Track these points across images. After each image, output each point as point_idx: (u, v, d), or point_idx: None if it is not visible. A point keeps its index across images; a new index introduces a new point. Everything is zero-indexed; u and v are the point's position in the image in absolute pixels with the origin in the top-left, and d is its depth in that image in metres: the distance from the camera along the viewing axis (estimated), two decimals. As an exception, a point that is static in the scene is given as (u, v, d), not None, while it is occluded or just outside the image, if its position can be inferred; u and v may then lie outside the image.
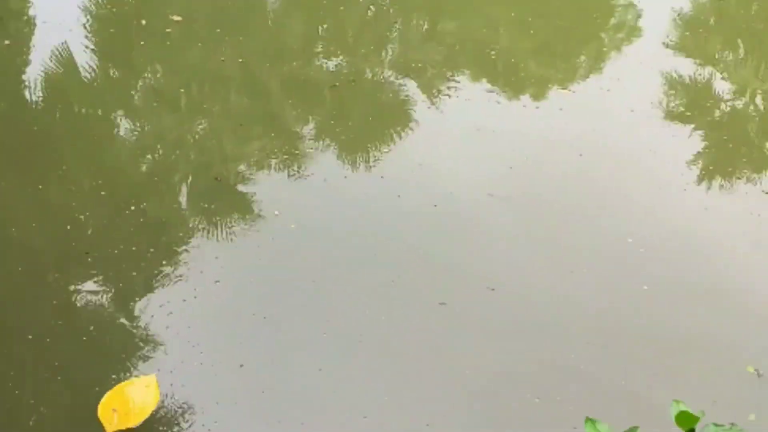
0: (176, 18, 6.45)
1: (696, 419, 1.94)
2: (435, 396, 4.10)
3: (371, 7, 7.00)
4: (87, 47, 6.30)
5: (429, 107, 5.91)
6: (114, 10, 6.67)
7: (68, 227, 4.88)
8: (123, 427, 3.96)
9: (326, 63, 6.27)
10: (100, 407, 4.01)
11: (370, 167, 5.35)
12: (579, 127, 5.79)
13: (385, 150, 5.47)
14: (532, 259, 4.83)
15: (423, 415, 4.01)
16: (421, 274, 4.68)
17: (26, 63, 6.13)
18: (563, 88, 6.18)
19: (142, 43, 6.28)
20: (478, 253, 4.82)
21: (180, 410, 4.05)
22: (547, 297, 4.59)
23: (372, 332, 4.37)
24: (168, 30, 6.37)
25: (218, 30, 6.43)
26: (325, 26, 6.82)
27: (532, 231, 5.02)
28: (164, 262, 4.70)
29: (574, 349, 4.33)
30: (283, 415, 4.01)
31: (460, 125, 5.75)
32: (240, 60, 6.14)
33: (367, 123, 5.73)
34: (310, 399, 4.09)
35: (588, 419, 2.07)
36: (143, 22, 6.47)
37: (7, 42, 6.33)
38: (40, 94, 5.88)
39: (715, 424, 1.95)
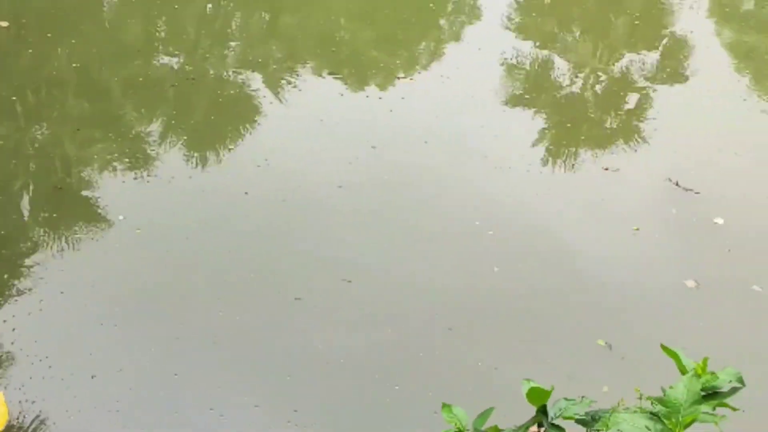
0: (3, 24, 6.21)
1: (547, 395, 1.97)
2: (295, 392, 4.07)
3: (209, 4, 6.91)
4: None
5: (272, 102, 5.89)
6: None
7: None
8: (-32, 451, 3.80)
9: (165, 62, 6.16)
10: (-54, 429, 3.85)
11: (216, 165, 5.29)
12: (422, 115, 5.85)
13: (231, 147, 5.42)
14: (385, 248, 4.86)
15: (283, 411, 3.98)
16: (275, 270, 4.64)
17: None
18: (404, 77, 6.24)
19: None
20: (331, 246, 4.81)
21: (32, 425, 3.91)
22: (402, 285, 4.62)
23: (227, 332, 4.31)
24: (-3, 37, 6.14)
25: (49, 35, 6.23)
26: (162, 26, 6.69)
27: (383, 220, 5.04)
28: (6, 276, 4.53)
29: (429, 335, 4.37)
30: (137, 423, 3.91)
31: (304, 119, 5.75)
32: (75, 65, 5.95)
33: (210, 121, 5.68)
34: (165, 405, 4.01)
35: (445, 405, 2.08)
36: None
37: None
38: None
39: (566, 399, 1.98)
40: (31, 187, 5.19)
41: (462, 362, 4.28)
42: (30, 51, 6.08)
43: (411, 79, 6.25)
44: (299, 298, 4.50)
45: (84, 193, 5.09)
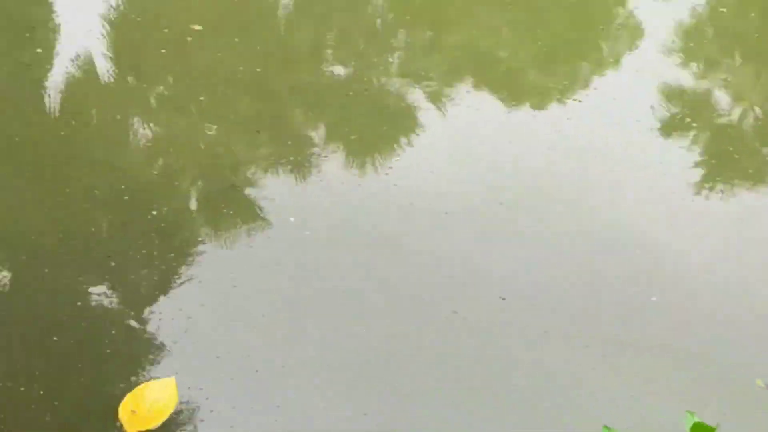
0: (196, 27, 6.57)
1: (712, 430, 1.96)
2: (446, 407, 4.19)
3: (378, 19, 7.10)
4: (109, 54, 6.43)
5: (437, 116, 6.01)
6: (138, 19, 6.80)
7: (92, 230, 5.00)
8: (142, 429, 4.08)
9: (334, 72, 6.36)
10: (120, 409, 4.14)
11: (384, 175, 5.44)
12: (586, 136, 5.87)
13: (397, 158, 5.57)
14: (543, 267, 4.92)
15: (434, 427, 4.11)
16: (433, 282, 4.77)
17: (51, 70, 6.26)
18: (569, 98, 6.26)
19: (163, 51, 6.40)
20: (489, 261, 4.91)
21: (197, 413, 4.16)
22: (559, 306, 4.68)
23: (384, 338, 4.47)
24: (188, 38, 6.49)
25: (236, 39, 6.54)
26: (332, 37, 6.91)
27: (543, 239, 5.10)
28: (183, 267, 4.82)
29: (583, 360, 4.42)
30: (296, 419, 4.11)
31: (470, 134, 5.84)
32: (258, 69, 6.24)
33: (380, 132, 5.82)
34: (323, 406, 4.19)
35: (605, 427, 2.13)
36: (165, 30, 6.58)
37: (39, 50, 6.45)
38: (66, 100, 6.02)
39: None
40: (207, 185, 5.46)
41: (614, 390, 4.31)
42: (219, 54, 6.40)
43: (576, 99, 6.26)
44: (456, 312, 4.63)
45: (255, 192, 5.33)
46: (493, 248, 5.02)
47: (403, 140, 5.76)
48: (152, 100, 6.16)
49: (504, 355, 4.45)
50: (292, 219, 5.12)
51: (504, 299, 4.72)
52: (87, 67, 6.36)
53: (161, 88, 6.28)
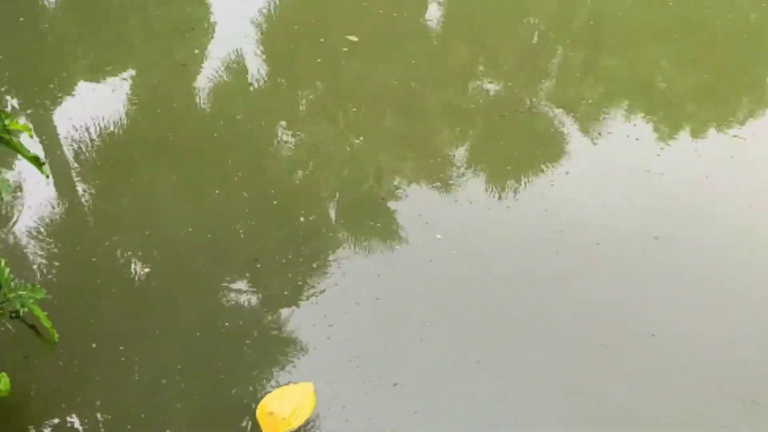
0: (353, 38, 6.60)
1: None
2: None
3: (534, 39, 7.01)
4: (265, 59, 6.52)
5: (593, 144, 5.88)
6: (296, 27, 6.87)
7: (240, 231, 5.05)
8: (279, 431, 4.08)
9: (483, 91, 6.28)
10: (258, 409, 4.16)
11: (535, 200, 5.34)
12: (751, 177, 5.65)
13: (551, 184, 5.46)
14: (693, 306, 4.74)
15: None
16: (580, 314, 4.65)
17: (205, 71, 6.37)
18: (734, 135, 6.05)
19: (318, 60, 6.44)
20: (640, 296, 4.76)
21: (333, 421, 4.14)
22: (707, 346, 4.50)
23: (528, 365, 4.38)
24: (344, 49, 6.52)
25: (392, 53, 6.55)
26: (483, 55, 6.83)
27: (696, 277, 4.92)
28: (328, 274, 4.82)
29: (728, 406, 4.24)
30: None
31: (625, 164, 5.69)
32: (412, 84, 6.22)
33: (532, 156, 5.72)
34: (460, 424, 4.12)
35: None
36: (322, 39, 6.64)
37: (196, 51, 6.59)
38: (217, 101, 6.12)
39: None
40: (356, 196, 5.45)
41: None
42: (373, 66, 6.41)
43: (741, 137, 6.04)
44: (605, 345, 4.50)
45: (403, 207, 5.30)
46: (644, 283, 4.85)
47: (555, 166, 5.64)
48: (302, 108, 6.19)
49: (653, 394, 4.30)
50: (438, 236, 5.06)
51: (653, 336, 4.56)
52: (240, 70, 6.46)
53: (312, 96, 6.31)
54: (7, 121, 3.83)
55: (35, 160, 3.96)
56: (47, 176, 4.09)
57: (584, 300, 4.73)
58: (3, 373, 3.78)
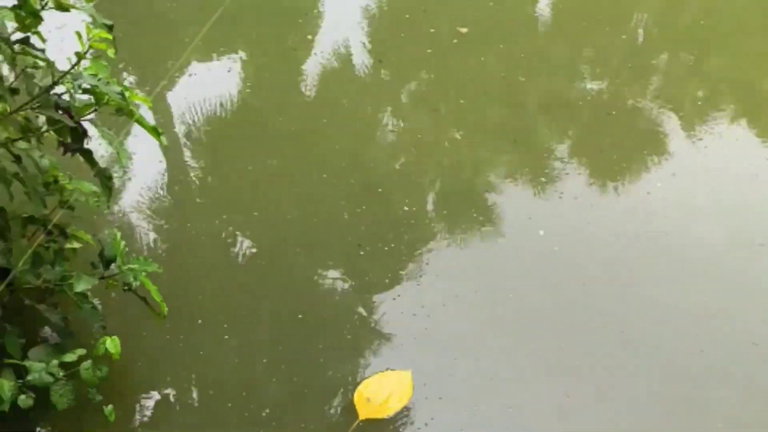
0: (463, 30, 6.62)
1: None
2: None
3: (638, 38, 6.91)
4: (374, 48, 6.57)
5: (700, 146, 5.78)
6: (407, 16, 6.91)
7: (345, 218, 5.12)
8: (375, 416, 4.15)
9: (596, 89, 6.23)
10: (356, 393, 4.22)
11: (641, 201, 5.29)
12: None
13: (657, 184, 5.40)
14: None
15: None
16: (680, 320, 4.61)
17: (315, 58, 6.45)
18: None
19: (429, 50, 6.47)
20: (742, 304, 4.69)
21: (428, 411, 4.18)
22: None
23: (626, 369, 4.36)
24: (455, 41, 6.54)
25: (501, 45, 6.54)
26: (588, 52, 6.76)
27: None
28: (429, 265, 4.87)
29: None
30: (525, 429, 4.10)
31: (732, 168, 5.59)
32: (521, 78, 6.21)
33: (640, 155, 5.66)
34: (554, 423, 4.12)
35: None
36: (432, 30, 6.66)
37: (309, 36, 6.68)
38: (324, 87, 6.20)
39: None
40: (455, 185, 5.47)
41: None
42: (482, 59, 6.42)
43: None
44: (702, 350, 4.45)
45: (507, 201, 5.30)
46: (747, 290, 4.78)
47: (662, 167, 5.58)
48: (409, 98, 6.22)
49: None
50: (541, 232, 5.06)
51: (756, 344, 4.50)
52: (349, 57, 6.53)
53: (420, 86, 6.34)
54: (127, 93, 3.96)
55: (154, 131, 4.08)
56: (165, 145, 4.20)
57: (685, 306, 4.67)
58: (114, 337, 3.91)
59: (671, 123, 5.95)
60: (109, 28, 3.82)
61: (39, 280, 4.10)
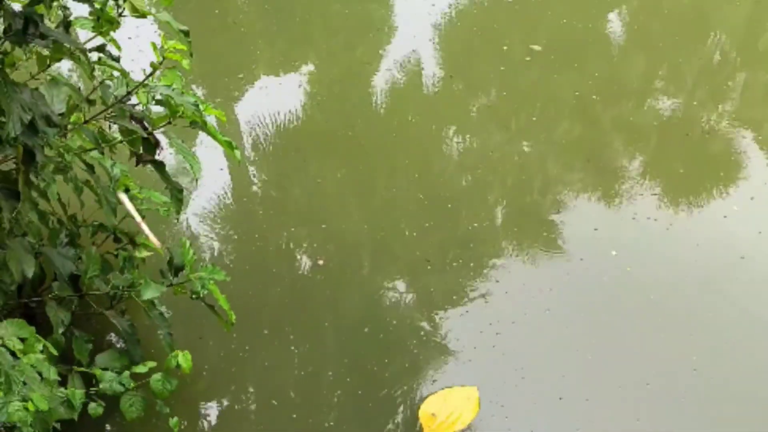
0: (536, 48, 6.55)
1: None
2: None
3: (716, 56, 6.76)
4: (445, 63, 6.53)
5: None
6: (479, 32, 6.86)
7: (413, 233, 5.07)
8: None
9: (672, 108, 6.10)
10: (420, 409, 4.17)
11: (717, 224, 5.17)
12: None
13: (734, 208, 5.27)
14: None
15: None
16: (755, 346, 4.48)
17: (385, 73, 6.43)
18: None
19: (502, 68, 6.41)
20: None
21: (496, 429, 4.11)
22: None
23: (696, 391, 4.25)
24: (527, 58, 6.47)
25: (575, 64, 6.45)
26: (662, 70, 6.63)
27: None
28: (498, 282, 4.81)
29: None
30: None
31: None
32: (594, 96, 6.12)
33: (717, 177, 5.54)
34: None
35: None
36: (504, 47, 6.61)
37: (380, 51, 6.66)
38: (393, 101, 6.18)
39: None
40: (524, 203, 5.40)
41: None
42: (555, 76, 6.34)
43: None
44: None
45: (578, 221, 5.21)
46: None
47: (739, 191, 5.44)
48: (475, 113, 6.15)
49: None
50: (614, 252, 4.96)
51: None
52: (419, 72, 6.48)
53: (492, 102, 6.27)
54: (202, 107, 3.96)
55: (228, 145, 4.08)
56: (239, 162, 4.19)
57: (763, 331, 4.54)
58: (186, 351, 3.90)
59: (749, 145, 5.81)
60: (186, 35, 3.84)
61: (108, 287, 4.12)
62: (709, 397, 4.23)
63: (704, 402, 4.21)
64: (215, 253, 5.01)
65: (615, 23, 7.04)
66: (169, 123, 4.00)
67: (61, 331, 3.93)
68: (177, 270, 4.15)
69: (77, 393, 3.67)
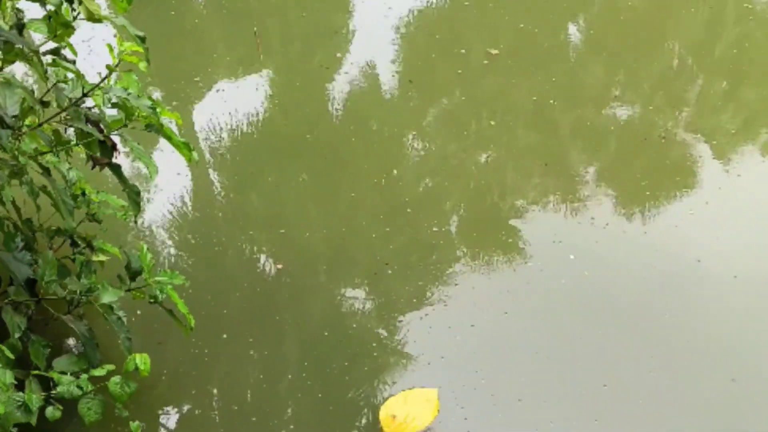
0: (494, 51, 6.58)
1: None
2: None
3: (674, 62, 6.84)
4: (404, 67, 6.55)
5: (734, 175, 5.67)
6: (437, 36, 6.88)
7: (372, 236, 5.08)
8: (400, 435, 4.09)
9: (614, 113, 6.16)
10: (381, 411, 4.17)
11: (673, 228, 5.22)
12: None
13: (690, 213, 5.33)
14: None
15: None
16: (711, 348, 4.53)
17: (344, 77, 6.43)
18: None
19: (459, 71, 6.44)
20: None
21: (455, 430, 4.12)
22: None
23: (655, 392, 4.29)
24: (485, 62, 6.50)
25: (532, 68, 6.50)
26: (620, 79, 6.69)
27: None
28: (457, 286, 4.83)
29: None
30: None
31: (766, 198, 5.51)
32: (552, 101, 6.17)
33: (673, 182, 5.59)
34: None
35: None
36: (462, 51, 6.63)
37: (338, 54, 6.66)
38: (352, 105, 6.18)
39: None
40: (476, 206, 5.42)
41: None
42: (512, 81, 6.38)
43: None
44: (734, 380, 4.37)
45: (534, 224, 5.25)
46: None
47: (695, 195, 5.51)
48: (434, 118, 6.17)
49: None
50: (571, 257, 5.00)
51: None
52: (378, 76, 6.49)
53: (450, 106, 6.29)
54: (158, 109, 3.94)
55: (185, 146, 4.06)
56: (196, 162, 4.18)
57: (718, 334, 4.59)
58: (144, 354, 3.88)
59: (704, 151, 5.87)
60: (142, 40, 3.81)
61: (65, 292, 4.08)
62: (666, 398, 4.26)
63: (661, 404, 4.24)
64: (173, 258, 4.98)
65: (573, 29, 7.10)
66: (125, 126, 3.97)
67: (17, 335, 3.88)
68: (135, 274, 4.13)
69: (34, 397, 3.63)
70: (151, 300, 4.04)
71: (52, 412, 3.74)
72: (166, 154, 5.24)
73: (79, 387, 3.85)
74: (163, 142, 5.36)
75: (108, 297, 3.96)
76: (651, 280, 4.88)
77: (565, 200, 5.40)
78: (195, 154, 4.12)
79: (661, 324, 4.63)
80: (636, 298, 4.77)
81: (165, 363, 4.36)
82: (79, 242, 4.37)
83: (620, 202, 5.40)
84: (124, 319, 4.08)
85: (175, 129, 5.15)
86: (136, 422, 3.87)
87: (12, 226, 4.26)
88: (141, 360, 3.87)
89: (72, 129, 4.07)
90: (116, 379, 3.88)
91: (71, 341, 4.41)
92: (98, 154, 4.06)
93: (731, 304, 4.77)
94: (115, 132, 4.00)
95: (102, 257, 4.36)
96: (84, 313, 4.22)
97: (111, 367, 3.92)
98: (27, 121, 3.94)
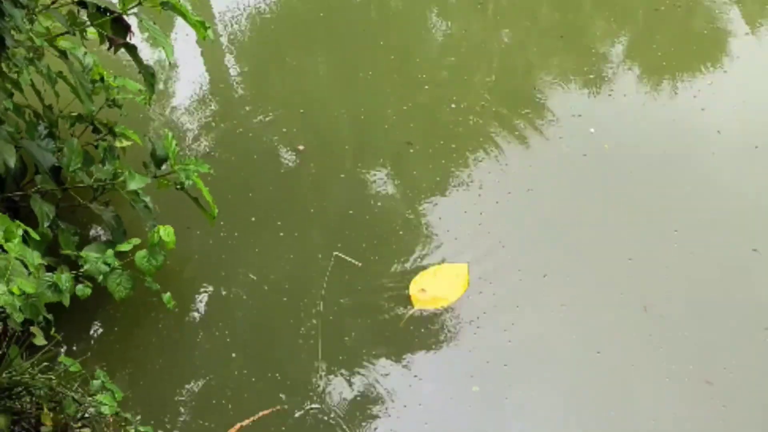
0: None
1: None
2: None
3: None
4: None
5: (754, 44, 5.61)
6: None
7: (393, 116, 5.05)
8: (428, 307, 4.13)
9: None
10: (411, 285, 4.21)
11: (692, 99, 5.19)
12: None
13: (708, 83, 5.29)
14: None
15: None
16: (732, 220, 4.53)
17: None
18: None
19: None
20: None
21: (483, 304, 4.16)
22: None
23: (678, 263, 4.30)
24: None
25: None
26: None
27: None
28: (481, 163, 4.81)
29: None
30: (575, 327, 4.06)
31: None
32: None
33: (690, 52, 5.54)
34: (599, 315, 4.10)
35: None
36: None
37: None
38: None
39: None
40: (496, 83, 5.38)
41: None
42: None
43: None
44: (755, 250, 4.39)
45: (554, 99, 5.21)
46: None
47: (713, 65, 5.45)
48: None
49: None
50: (592, 130, 4.98)
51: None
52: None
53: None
54: (172, -16, 3.86)
55: (201, 24, 3.99)
56: (211, 39, 4.11)
57: (740, 205, 4.60)
58: (168, 226, 3.86)
59: (723, 21, 5.79)
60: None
61: (91, 180, 4.07)
62: (689, 270, 4.28)
63: (684, 276, 4.26)
64: (195, 143, 4.95)
65: None
66: (140, 4, 3.90)
67: (47, 224, 3.89)
68: (160, 162, 4.11)
69: (63, 276, 3.60)
70: (178, 186, 4.02)
71: (83, 289, 3.68)
72: (185, 42, 5.16)
73: (106, 264, 3.82)
74: (179, 30, 5.28)
75: (135, 184, 3.94)
76: (671, 152, 4.86)
77: (583, 74, 5.36)
78: (210, 32, 4.06)
79: (683, 197, 4.63)
80: (657, 171, 4.76)
81: (194, 247, 4.38)
82: (101, 128, 4.34)
83: (639, 75, 5.38)
84: (151, 206, 4.08)
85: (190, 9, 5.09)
86: (168, 293, 3.87)
87: (32, 114, 4.22)
88: (165, 232, 3.85)
89: (85, 13, 4.01)
90: (142, 252, 3.87)
91: (98, 230, 4.41)
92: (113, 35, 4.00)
93: (752, 175, 4.75)
94: (131, 11, 3.92)
95: (125, 142, 4.34)
96: (110, 200, 4.21)
97: (136, 240, 3.89)
98: (40, 0, 3.87)
